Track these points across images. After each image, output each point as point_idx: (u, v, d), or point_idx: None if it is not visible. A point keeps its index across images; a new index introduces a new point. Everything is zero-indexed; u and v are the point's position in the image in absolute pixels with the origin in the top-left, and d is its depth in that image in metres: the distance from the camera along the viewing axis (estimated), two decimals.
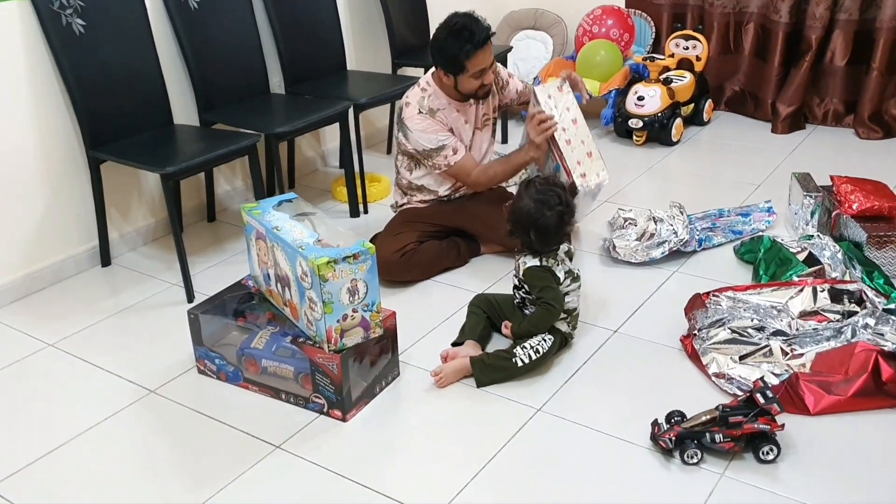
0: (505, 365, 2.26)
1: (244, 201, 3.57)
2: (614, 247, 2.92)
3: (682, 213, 2.99)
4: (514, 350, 2.28)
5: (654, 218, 3.01)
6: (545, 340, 2.30)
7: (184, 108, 3.18)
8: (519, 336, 2.33)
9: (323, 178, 3.90)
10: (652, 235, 2.94)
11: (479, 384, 2.25)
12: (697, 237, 2.97)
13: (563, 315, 2.34)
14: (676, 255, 2.90)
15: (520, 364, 2.25)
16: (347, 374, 2.09)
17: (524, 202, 2.31)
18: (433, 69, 2.85)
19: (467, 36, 2.65)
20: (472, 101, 2.86)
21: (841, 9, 4.03)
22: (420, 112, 2.77)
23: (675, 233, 2.91)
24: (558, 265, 2.32)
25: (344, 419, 2.13)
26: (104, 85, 2.80)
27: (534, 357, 2.27)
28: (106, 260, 3.03)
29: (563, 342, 2.37)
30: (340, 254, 2.00)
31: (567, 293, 2.35)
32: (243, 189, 3.59)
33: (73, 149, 2.89)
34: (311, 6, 3.56)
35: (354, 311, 2.07)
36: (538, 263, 2.31)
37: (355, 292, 2.05)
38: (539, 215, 2.28)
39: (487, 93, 2.85)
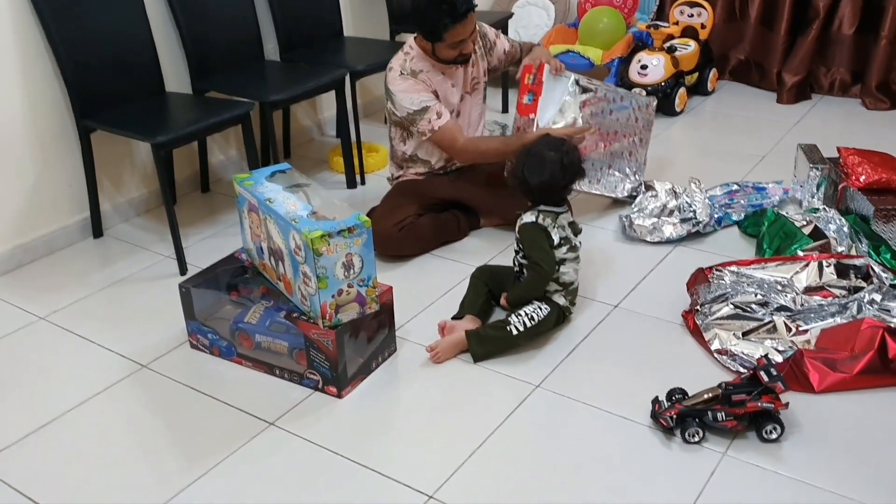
0: (500, 335, 2.21)
1: (239, 171, 3.50)
2: (631, 224, 2.84)
3: (700, 191, 2.92)
4: (509, 318, 2.24)
5: (674, 191, 2.93)
6: (540, 309, 2.26)
7: (176, 76, 3.10)
8: (513, 304, 2.30)
9: (319, 147, 3.84)
10: (672, 212, 2.87)
11: (476, 358, 2.22)
12: (716, 216, 2.89)
13: (558, 288, 2.30)
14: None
15: (514, 332, 2.20)
16: (343, 350, 2.04)
17: (527, 149, 2.32)
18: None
19: (447, 9, 2.57)
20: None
21: None
22: (402, 74, 2.70)
23: (694, 212, 2.84)
24: (555, 228, 2.27)
25: (339, 396, 2.09)
26: (94, 52, 2.73)
27: (528, 325, 2.22)
28: (98, 231, 2.97)
29: (560, 316, 2.33)
30: (335, 227, 1.94)
31: (563, 261, 2.29)
32: (237, 158, 3.53)
33: (62, 118, 2.82)
34: None
35: (350, 286, 2.02)
36: (533, 220, 2.27)
37: (350, 267, 1.99)
38: (538, 159, 2.26)
39: (466, 60, 2.78)
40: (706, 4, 4.20)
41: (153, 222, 3.10)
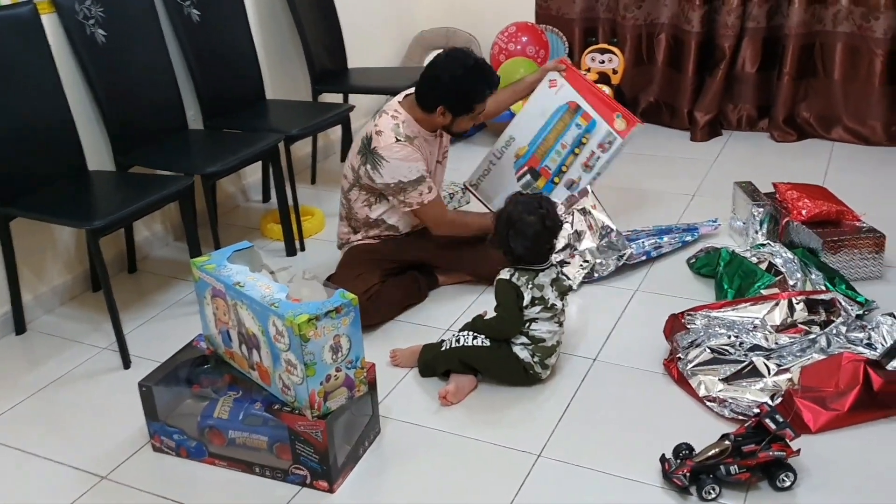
0: (433, 348, 2.34)
1: (165, 247, 3.31)
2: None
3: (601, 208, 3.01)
4: (451, 335, 2.36)
5: (583, 210, 2.99)
6: (476, 339, 2.29)
7: (96, 152, 2.89)
8: (471, 326, 2.34)
9: (246, 214, 3.66)
10: (581, 234, 2.94)
11: (421, 371, 2.35)
12: (645, 250, 2.94)
13: (526, 341, 2.24)
14: (628, 271, 2.87)
15: (443, 348, 2.31)
16: (333, 441, 1.90)
17: (508, 207, 2.28)
18: (400, 96, 2.68)
19: (487, 78, 2.58)
20: (439, 133, 2.74)
21: (749, 17, 4.12)
22: (398, 140, 2.56)
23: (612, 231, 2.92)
24: (529, 287, 2.22)
25: (331, 490, 1.93)
26: (10, 136, 2.49)
27: (454, 345, 2.29)
28: (20, 327, 2.70)
29: (520, 371, 2.26)
30: (321, 309, 1.81)
31: (533, 320, 2.24)
32: (163, 234, 3.32)
33: None
34: (225, 34, 3.32)
35: (338, 370, 1.88)
36: (507, 277, 2.24)
37: (338, 349, 1.86)
38: (520, 225, 2.21)
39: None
40: (617, 50, 4.30)
41: (81, 311, 2.85)
